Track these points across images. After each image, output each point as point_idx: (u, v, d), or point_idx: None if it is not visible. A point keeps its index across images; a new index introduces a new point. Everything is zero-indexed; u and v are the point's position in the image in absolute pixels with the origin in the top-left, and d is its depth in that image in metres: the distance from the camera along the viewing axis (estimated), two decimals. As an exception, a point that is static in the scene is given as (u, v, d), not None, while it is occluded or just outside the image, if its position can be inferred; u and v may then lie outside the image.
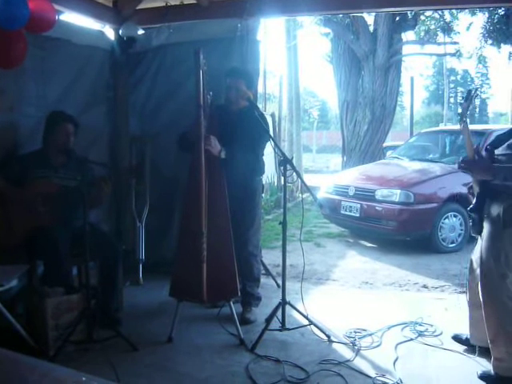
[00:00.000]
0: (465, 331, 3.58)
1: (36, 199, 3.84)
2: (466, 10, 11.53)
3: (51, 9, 3.77)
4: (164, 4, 5.19)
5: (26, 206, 3.82)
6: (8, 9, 3.32)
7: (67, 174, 4.04)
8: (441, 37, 13.31)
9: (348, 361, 3.43)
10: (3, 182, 3.82)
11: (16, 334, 3.43)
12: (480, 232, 3.27)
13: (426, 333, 3.90)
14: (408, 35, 12.36)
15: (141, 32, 5.23)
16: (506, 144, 3.18)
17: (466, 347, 3.56)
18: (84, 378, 0.96)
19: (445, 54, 17.25)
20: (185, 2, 5.16)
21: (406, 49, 12.38)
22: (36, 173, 3.92)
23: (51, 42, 4.42)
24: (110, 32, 5.36)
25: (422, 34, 13.17)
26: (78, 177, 3.91)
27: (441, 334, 3.87)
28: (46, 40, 4.29)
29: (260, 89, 12.59)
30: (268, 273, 5.28)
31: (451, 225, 6.82)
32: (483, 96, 50.96)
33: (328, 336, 3.80)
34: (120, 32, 5.21)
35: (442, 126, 18.83)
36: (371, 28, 11.48)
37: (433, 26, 13.05)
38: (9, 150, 4.18)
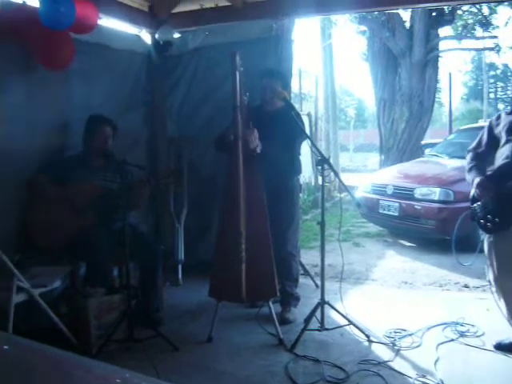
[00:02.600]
0: (507, 333, 3.52)
1: (79, 201, 3.91)
2: (505, 3, 11.29)
3: (93, 9, 3.87)
4: (199, 7, 5.23)
5: (69, 208, 3.90)
6: (55, 9, 3.41)
7: (107, 177, 4.11)
8: (479, 31, 13.05)
9: (388, 361, 3.41)
10: (48, 183, 3.91)
11: (59, 333, 3.51)
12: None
13: (467, 333, 3.84)
14: (445, 30, 12.17)
15: (177, 35, 5.29)
16: None
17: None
18: (128, 375, 0.99)
19: (483, 49, 16.90)
20: (219, 5, 5.19)
21: (443, 44, 12.17)
22: (77, 175, 3.99)
23: (92, 47, 4.51)
24: (146, 36, 5.43)
25: (460, 28, 12.91)
26: (117, 179, 3.98)
27: (483, 334, 3.80)
28: (87, 45, 4.38)
29: (296, 88, 12.63)
30: (306, 273, 5.27)
31: (492, 223, 6.68)
32: (524, 91, 49.82)
33: (367, 336, 3.78)
34: (156, 36, 5.27)
35: (481, 123, 18.46)
36: (407, 24, 11.33)
37: (470, 21, 12.78)
38: (55, 152, 4.27)
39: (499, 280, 3.46)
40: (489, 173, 3.42)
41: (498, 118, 3.55)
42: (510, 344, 3.50)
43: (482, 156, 3.55)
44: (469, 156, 3.64)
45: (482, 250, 3.61)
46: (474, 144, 3.68)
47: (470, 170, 3.54)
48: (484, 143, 3.58)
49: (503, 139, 3.41)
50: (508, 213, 3.26)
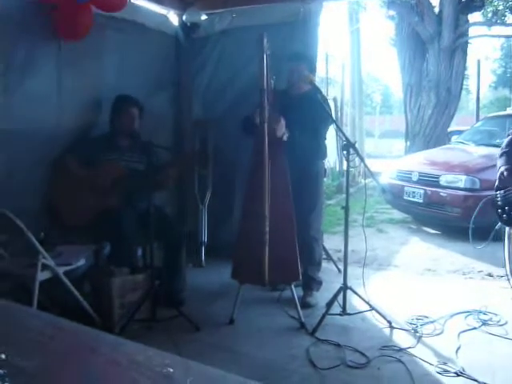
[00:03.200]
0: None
1: (105, 181, 3.95)
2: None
3: None
4: (227, -11, 5.20)
5: (95, 188, 3.94)
6: None
7: (133, 157, 4.14)
8: (509, 18, 12.80)
9: (409, 347, 3.40)
10: (75, 163, 3.95)
11: (83, 311, 3.56)
12: None
13: (490, 322, 3.80)
14: (475, 16, 11.98)
15: (204, 17, 5.27)
16: None
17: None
18: (151, 353, 0.99)
19: (513, 36, 16.62)
20: (247, -13, 5.15)
21: (472, 31, 11.98)
22: (104, 155, 4.03)
23: (127, 24, 4.55)
24: (173, 18, 5.42)
25: (490, 15, 12.68)
26: (143, 160, 4.00)
27: (506, 323, 3.77)
28: (122, 22, 4.40)
29: (322, 73, 12.55)
30: (329, 257, 5.27)
31: (519, 212, 6.60)
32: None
33: (389, 322, 3.77)
34: (184, 18, 5.26)
35: (509, 111, 18.19)
36: (436, 9, 11.17)
37: (501, 7, 12.55)
38: (84, 131, 4.31)
39: None
40: None
41: None
42: None
43: None
44: (506, 140, 3.55)
45: (497, 238, 3.56)
46: None
47: (501, 155, 3.47)
48: None
49: None
50: None
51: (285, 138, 3.85)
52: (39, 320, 1.19)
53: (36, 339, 1.05)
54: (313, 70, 4.33)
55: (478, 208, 3.81)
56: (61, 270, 3.41)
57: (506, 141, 3.52)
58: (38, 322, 1.16)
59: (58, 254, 3.53)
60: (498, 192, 3.36)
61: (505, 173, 3.31)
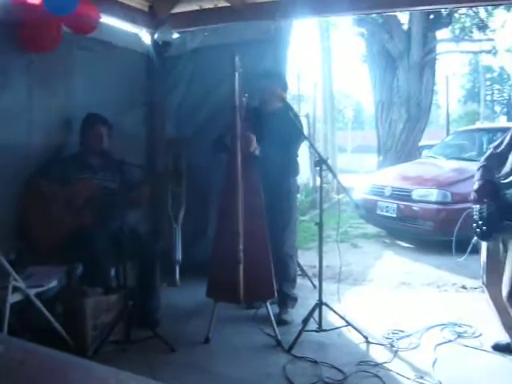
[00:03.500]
0: (505, 334, 3.51)
1: (77, 200, 3.91)
2: (502, 6, 11.32)
3: (95, 10, 3.87)
4: (198, 8, 5.22)
5: (67, 208, 3.90)
6: None
7: (106, 176, 4.10)
8: (476, 34, 13.08)
9: (386, 362, 3.40)
10: (46, 183, 3.90)
11: (56, 333, 3.48)
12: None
13: (465, 334, 3.84)
14: (443, 33, 12.21)
15: (176, 36, 5.28)
16: None
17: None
18: (123, 377, 0.98)
19: (480, 52, 16.92)
20: (218, 5, 5.17)
21: (440, 47, 12.22)
22: (76, 174, 3.99)
23: (97, 44, 4.54)
24: (145, 36, 5.42)
25: (457, 31, 12.97)
26: (116, 179, 3.97)
27: (480, 335, 3.80)
28: (92, 42, 4.39)
29: (294, 90, 12.63)
30: (304, 274, 5.27)
31: (490, 224, 6.68)
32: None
33: (365, 337, 3.78)
34: (155, 36, 5.25)
35: (478, 125, 18.49)
36: (405, 27, 11.36)
37: (468, 23, 12.84)
38: (55, 151, 4.26)
39: (487, 284, 3.48)
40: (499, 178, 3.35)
41: None
42: (508, 345, 3.49)
43: (499, 156, 3.45)
44: (486, 154, 3.59)
45: (474, 251, 3.61)
46: (497, 142, 3.58)
47: (479, 169, 3.50)
48: (505, 143, 3.46)
49: None
50: (493, 224, 3.23)
51: (257, 152, 3.85)
52: (9, 344, 1.17)
53: (6, 364, 1.03)
54: (284, 87, 4.34)
55: (460, 220, 3.85)
56: (32, 292, 3.34)
57: (485, 155, 3.57)
58: (8, 347, 1.14)
59: (29, 276, 3.46)
60: (475, 206, 3.39)
61: (478, 189, 3.35)
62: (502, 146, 3.46)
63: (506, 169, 3.31)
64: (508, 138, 3.45)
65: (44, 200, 3.90)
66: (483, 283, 3.51)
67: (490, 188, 3.31)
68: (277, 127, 4.01)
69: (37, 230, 3.87)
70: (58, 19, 3.72)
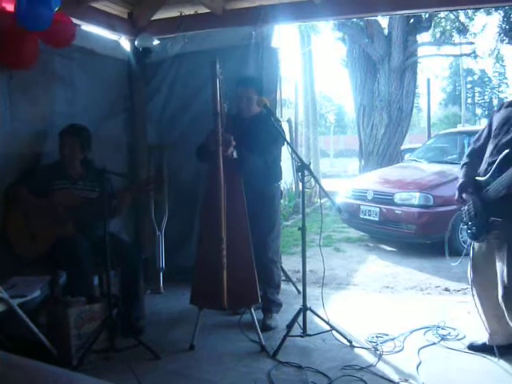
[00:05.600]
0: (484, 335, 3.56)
1: (57, 210, 3.88)
2: (481, 10, 11.44)
3: (70, 23, 3.85)
4: (178, 14, 5.21)
5: (48, 217, 3.87)
6: (33, 9, 3.37)
7: (86, 185, 4.08)
8: (456, 38, 13.20)
9: (370, 366, 3.41)
10: (26, 193, 3.87)
11: (39, 343, 3.45)
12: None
13: (448, 336, 3.86)
14: (423, 37, 12.32)
15: (156, 42, 5.26)
16: None
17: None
18: (107, 387, 0.97)
19: (461, 55, 17.15)
20: (199, 12, 5.17)
21: (421, 50, 12.33)
22: (56, 184, 3.96)
23: (77, 51, 4.53)
24: (125, 43, 5.40)
25: (438, 35, 13.08)
26: (96, 188, 3.95)
27: (464, 337, 3.82)
28: (72, 49, 4.37)
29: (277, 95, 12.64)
30: (288, 279, 5.27)
31: (472, 227, 6.72)
32: (501, 95, 50.47)
33: (350, 341, 3.78)
34: (136, 43, 5.24)
35: (459, 127, 18.66)
36: (386, 31, 11.43)
37: (448, 27, 12.95)
38: (35, 160, 4.23)
39: (473, 284, 3.50)
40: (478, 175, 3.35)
41: (500, 108, 3.40)
42: (483, 345, 3.53)
43: (479, 151, 3.44)
44: (468, 150, 3.59)
45: (456, 253, 3.64)
46: (475, 137, 3.57)
47: (462, 167, 3.50)
48: (483, 136, 3.46)
49: (492, 134, 3.32)
50: (481, 223, 3.23)
51: (234, 154, 3.83)
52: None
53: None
54: (262, 92, 4.32)
55: (450, 222, 3.88)
56: (15, 302, 3.31)
57: (466, 152, 3.58)
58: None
59: (11, 286, 3.44)
60: (464, 207, 3.39)
61: (460, 187, 3.37)
62: (481, 140, 3.47)
63: (484, 165, 3.31)
64: (486, 131, 3.46)
65: (24, 210, 3.87)
66: (471, 284, 3.52)
67: (471, 186, 3.31)
68: (257, 133, 4.00)
69: (18, 240, 3.84)
70: (34, 35, 3.69)
